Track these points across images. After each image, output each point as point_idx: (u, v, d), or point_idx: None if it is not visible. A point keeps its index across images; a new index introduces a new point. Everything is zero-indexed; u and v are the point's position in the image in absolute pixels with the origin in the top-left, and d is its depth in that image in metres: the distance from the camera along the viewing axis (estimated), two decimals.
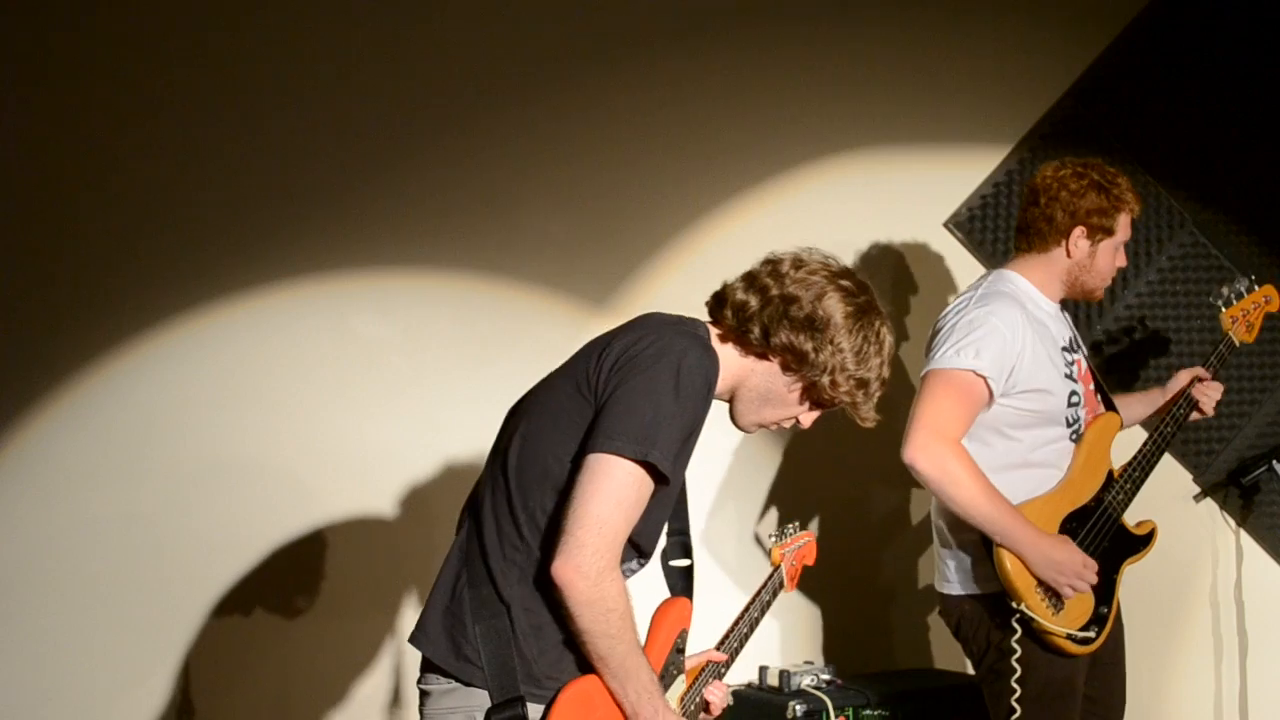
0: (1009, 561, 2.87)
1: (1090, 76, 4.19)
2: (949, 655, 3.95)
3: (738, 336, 2.24)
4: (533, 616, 2.13)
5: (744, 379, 2.26)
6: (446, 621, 2.16)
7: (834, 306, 2.19)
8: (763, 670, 3.52)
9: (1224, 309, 3.36)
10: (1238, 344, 3.35)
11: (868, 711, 3.39)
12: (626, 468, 2.03)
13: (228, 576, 3.48)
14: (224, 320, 3.53)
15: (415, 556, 3.60)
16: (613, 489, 2.03)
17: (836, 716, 3.34)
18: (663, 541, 2.42)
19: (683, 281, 3.86)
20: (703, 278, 3.84)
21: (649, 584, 2.41)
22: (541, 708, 2.11)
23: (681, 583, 2.45)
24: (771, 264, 2.26)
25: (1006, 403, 2.97)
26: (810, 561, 2.76)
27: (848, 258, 4.02)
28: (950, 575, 3.05)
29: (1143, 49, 4.21)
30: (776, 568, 2.64)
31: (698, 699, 2.40)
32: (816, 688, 3.42)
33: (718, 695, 2.44)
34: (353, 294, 3.63)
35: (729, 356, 2.25)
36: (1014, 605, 2.88)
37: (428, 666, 2.21)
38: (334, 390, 3.57)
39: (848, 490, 4.08)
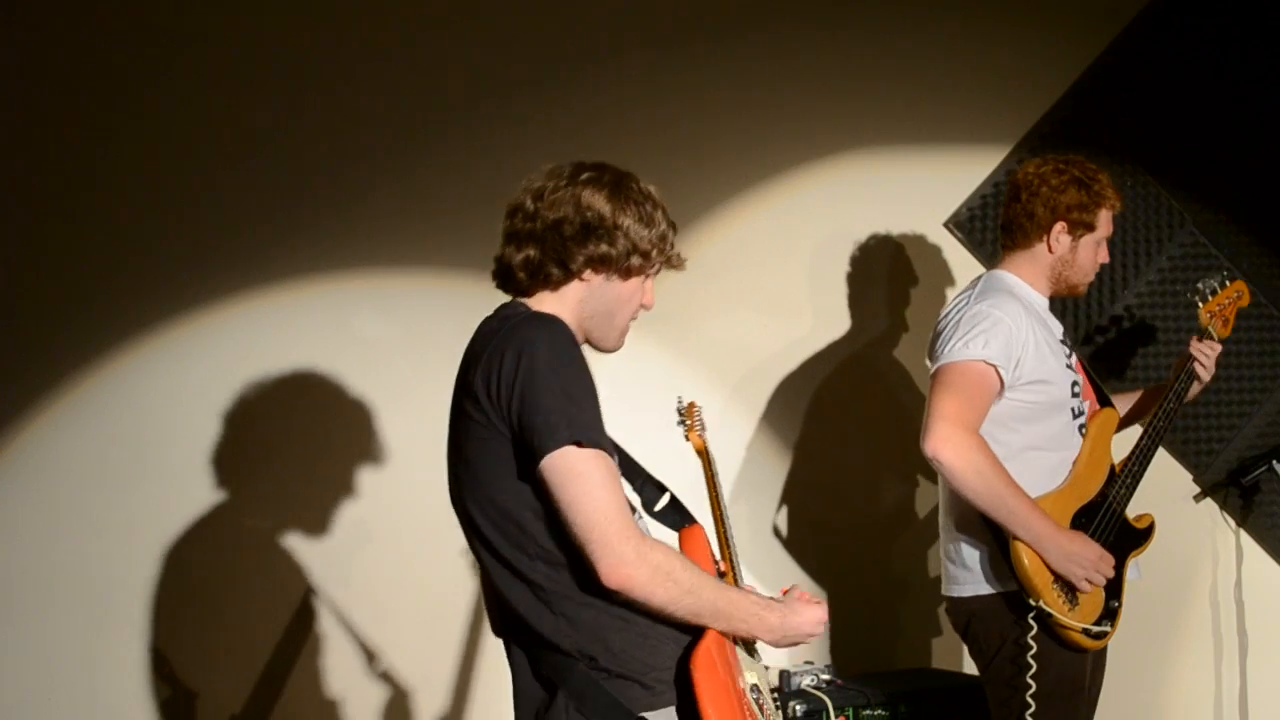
0: (1026, 558, 2.87)
1: (1090, 76, 4.18)
2: (949, 655, 3.95)
3: (545, 286, 2.26)
4: (606, 642, 2.12)
5: (580, 313, 2.27)
6: (543, 700, 2.15)
7: (593, 201, 2.23)
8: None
9: (1201, 305, 3.38)
10: (1216, 338, 3.37)
11: (868, 711, 3.38)
12: (580, 454, 2.04)
13: (228, 577, 3.49)
14: (224, 320, 3.54)
15: (416, 556, 3.60)
16: (587, 480, 2.04)
17: (836, 716, 3.34)
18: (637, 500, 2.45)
19: (683, 281, 3.82)
20: (703, 278, 3.90)
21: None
22: (670, 709, 2.12)
23: (677, 515, 2.47)
24: (517, 211, 2.28)
25: (1012, 396, 2.97)
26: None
27: (847, 258, 4.03)
28: (959, 576, 3.04)
29: (1142, 49, 4.21)
30: (706, 450, 2.78)
31: None
32: (816, 688, 3.42)
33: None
34: (353, 294, 3.63)
35: (554, 307, 2.25)
36: (1031, 602, 2.88)
37: None
38: (334, 390, 3.57)
39: (852, 490, 4.08)
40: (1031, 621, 2.90)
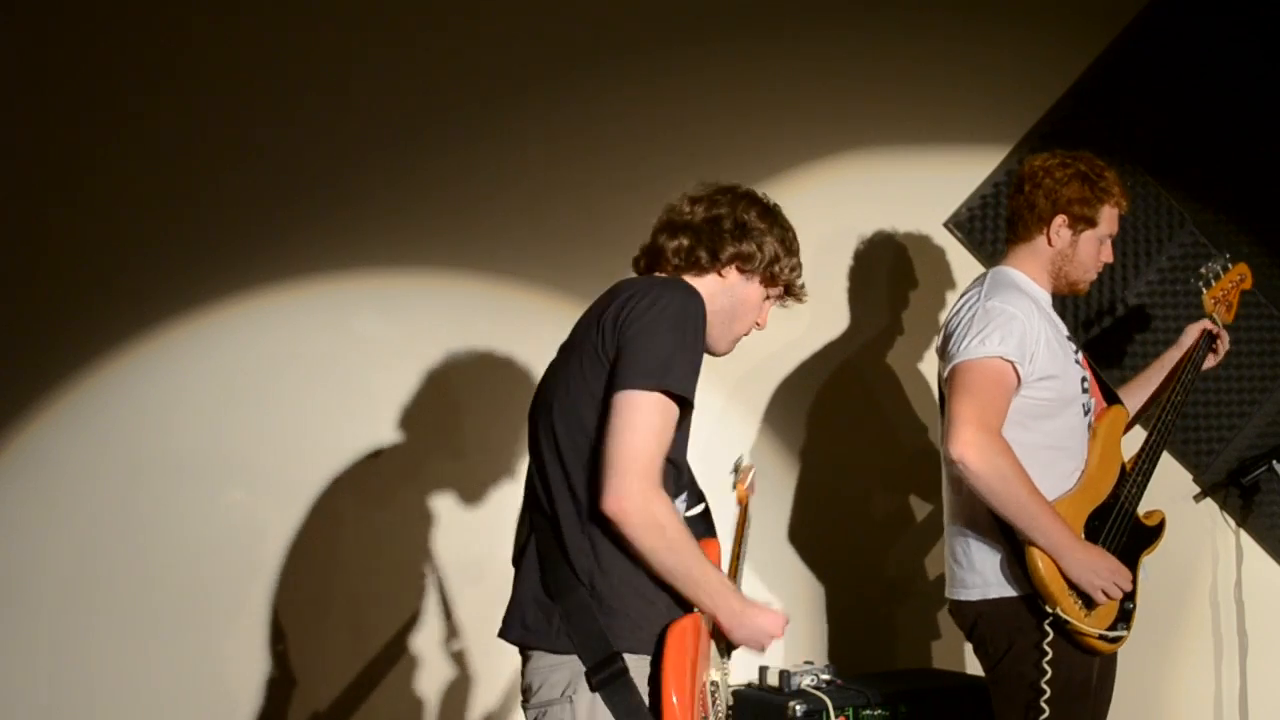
0: (1043, 564, 2.85)
1: (1090, 77, 4.19)
2: (949, 655, 3.95)
3: (690, 270, 2.49)
4: (612, 575, 2.25)
5: (710, 306, 2.42)
6: (537, 609, 2.29)
7: (748, 212, 2.51)
8: (763, 670, 3.52)
9: (1205, 290, 3.37)
10: (1221, 324, 3.37)
11: (868, 711, 3.38)
12: (648, 398, 2.20)
13: (227, 577, 3.49)
14: (224, 320, 3.54)
15: (417, 555, 3.60)
16: (639, 420, 2.19)
17: (836, 716, 3.34)
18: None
19: None
20: None
21: None
22: (645, 658, 2.25)
23: (703, 527, 2.55)
24: (674, 209, 2.53)
25: (1025, 393, 2.95)
26: (754, 491, 3.12)
27: (847, 258, 4.03)
28: (967, 580, 3.02)
29: (1142, 49, 4.21)
30: (745, 503, 2.95)
31: None
32: (816, 688, 3.42)
33: None
34: (353, 294, 3.63)
35: None
36: (1047, 609, 2.87)
37: (525, 650, 2.33)
38: (334, 390, 3.57)
39: (851, 490, 4.08)
40: (1048, 628, 2.87)
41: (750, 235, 2.48)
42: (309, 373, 3.56)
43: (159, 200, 3.49)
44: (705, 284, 2.46)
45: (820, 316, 4.03)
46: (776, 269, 2.51)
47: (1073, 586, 2.89)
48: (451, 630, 3.61)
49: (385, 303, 3.65)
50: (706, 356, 2.42)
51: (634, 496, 2.17)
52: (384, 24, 3.69)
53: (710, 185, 2.55)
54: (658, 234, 2.52)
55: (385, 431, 3.61)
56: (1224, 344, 3.37)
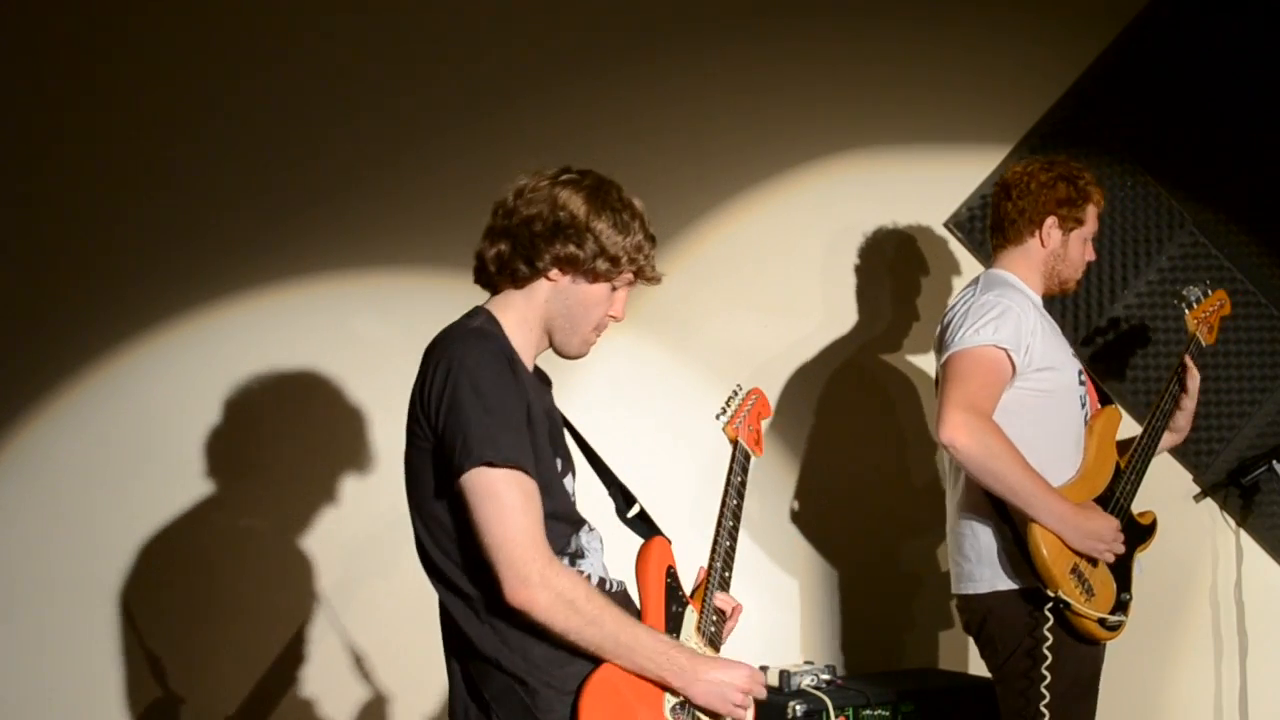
0: (1045, 548, 2.88)
1: (1090, 76, 4.19)
2: (957, 654, 3.95)
3: (513, 283, 2.29)
4: (525, 652, 2.14)
5: (545, 313, 2.29)
6: (476, 708, 2.19)
7: (569, 201, 2.25)
8: (763, 670, 3.51)
9: (1188, 311, 3.41)
10: (1204, 344, 3.42)
11: (868, 711, 3.39)
12: (496, 476, 2.08)
13: (227, 576, 3.49)
14: (224, 320, 3.54)
15: (415, 556, 3.60)
16: (499, 502, 2.08)
17: (836, 716, 3.34)
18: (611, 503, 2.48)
19: (683, 281, 3.85)
20: (704, 278, 3.90)
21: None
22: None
23: (644, 526, 2.46)
24: (499, 206, 2.31)
25: (1022, 384, 3.01)
26: (768, 414, 2.71)
27: (848, 257, 4.03)
28: (974, 574, 3.05)
29: (1142, 49, 4.21)
30: (735, 442, 2.58)
31: (713, 617, 2.39)
32: (816, 688, 3.42)
33: (728, 603, 2.44)
34: (353, 294, 3.63)
35: (518, 306, 2.29)
36: (1049, 593, 2.89)
37: None
38: (334, 391, 3.57)
39: (859, 489, 4.08)
40: (1048, 613, 2.89)
41: (568, 234, 2.22)
42: (309, 373, 3.56)
43: (160, 201, 3.49)
44: (535, 293, 2.28)
45: (822, 316, 4.04)
46: (603, 265, 2.24)
47: (1073, 570, 2.91)
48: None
49: (385, 303, 3.65)
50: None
51: (531, 581, 2.05)
52: (384, 27, 3.69)
53: (536, 172, 2.32)
54: (483, 238, 2.33)
55: (384, 432, 3.61)
56: (1193, 380, 3.34)
